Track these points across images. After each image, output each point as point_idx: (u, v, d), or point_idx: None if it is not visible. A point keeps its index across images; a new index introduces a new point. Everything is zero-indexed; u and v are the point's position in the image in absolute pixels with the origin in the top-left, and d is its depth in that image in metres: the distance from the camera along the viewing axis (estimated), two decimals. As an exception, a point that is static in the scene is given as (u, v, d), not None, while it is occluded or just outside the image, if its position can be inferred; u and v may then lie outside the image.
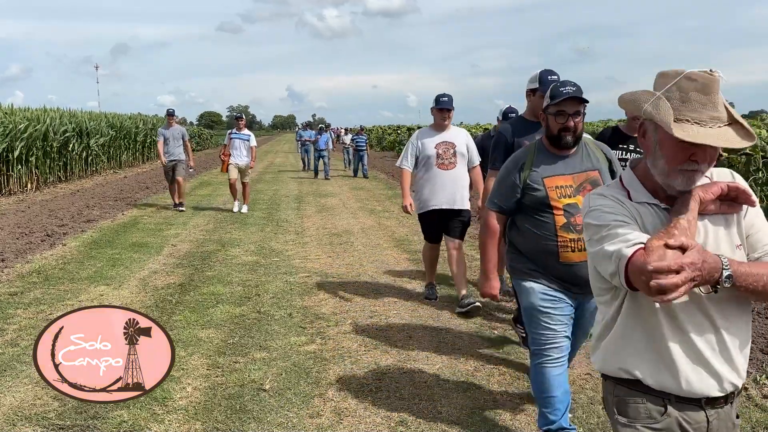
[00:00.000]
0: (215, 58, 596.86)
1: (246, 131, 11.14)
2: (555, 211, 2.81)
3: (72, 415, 3.30)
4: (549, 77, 3.55)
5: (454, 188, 5.16)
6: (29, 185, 15.47)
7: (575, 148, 2.88)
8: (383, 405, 3.45)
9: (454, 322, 4.86)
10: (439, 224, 5.28)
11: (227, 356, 4.18)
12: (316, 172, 18.66)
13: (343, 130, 28.98)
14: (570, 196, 2.81)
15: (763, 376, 3.75)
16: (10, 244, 7.97)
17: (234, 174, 10.90)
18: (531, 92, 3.72)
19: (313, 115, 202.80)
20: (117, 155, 22.83)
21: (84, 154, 19.16)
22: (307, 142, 21.04)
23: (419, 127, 8.14)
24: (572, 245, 2.78)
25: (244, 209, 11.04)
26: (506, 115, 5.73)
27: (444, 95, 5.28)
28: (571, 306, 2.89)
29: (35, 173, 15.84)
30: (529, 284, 2.89)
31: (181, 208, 11.12)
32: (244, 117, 11.64)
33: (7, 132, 14.62)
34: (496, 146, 3.86)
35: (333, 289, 5.86)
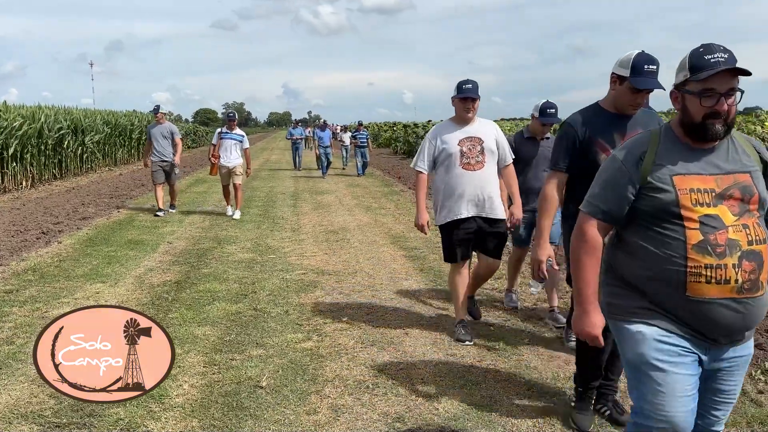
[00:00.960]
0: (211, 55, 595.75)
1: (238, 131, 10.33)
2: (687, 224, 2.01)
3: (68, 413, 3.30)
4: (646, 66, 2.89)
5: (484, 192, 4.31)
6: (24, 183, 15.44)
7: (718, 141, 2.10)
8: (380, 402, 3.46)
9: (451, 319, 4.86)
10: (467, 238, 4.38)
11: (224, 353, 4.18)
12: (324, 168, 18.08)
13: (339, 128, 28.62)
14: (710, 205, 2.01)
15: (759, 371, 3.78)
16: (5, 242, 7.96)
17: (226, 179, 10.26)
18: (617, 78, 3.00)
19: (309, 112, 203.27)
20: (112, 152, 22.82)
21: (79, 151, 19.13)
22: (298, 140, 20.97)
23: (415, 125, 7.89)
24: (708, 274, 1.97)
25: (237, 215, 10.15)
26: (543, 111, 4.87)
27: (467, 81, 4.37)
28: (700, 360, 2.09)
29: (30, 171, 15.81)
30: (637, 328, 2.09)
31: (172, 210, 10.61)
32: (236, 117, 10.76)
33: (2, 130, 14.59)
34: (561, 141, 3.17)
35: (329, 286, 5.86)
